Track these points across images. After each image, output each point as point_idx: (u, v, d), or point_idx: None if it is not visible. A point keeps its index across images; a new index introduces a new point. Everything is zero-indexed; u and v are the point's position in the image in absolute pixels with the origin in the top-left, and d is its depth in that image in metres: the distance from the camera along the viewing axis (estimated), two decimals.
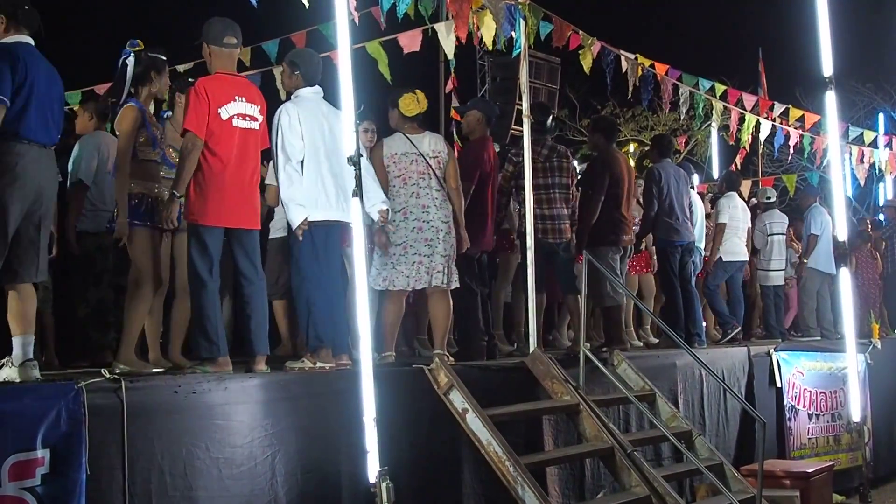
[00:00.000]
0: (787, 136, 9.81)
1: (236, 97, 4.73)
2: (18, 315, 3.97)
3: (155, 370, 4.67)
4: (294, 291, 5.11)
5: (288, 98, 5.22)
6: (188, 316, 4.92)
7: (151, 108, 5.08)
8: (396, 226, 5.39)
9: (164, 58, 4.85)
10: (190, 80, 4.85)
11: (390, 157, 5.46)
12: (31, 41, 4.10)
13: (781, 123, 9.81)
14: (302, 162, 4.98)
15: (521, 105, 6.49)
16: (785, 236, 9.51)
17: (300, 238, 4.96)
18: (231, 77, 4.83)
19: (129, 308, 4.64)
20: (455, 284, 5.54)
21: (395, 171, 5.45)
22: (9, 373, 3.89)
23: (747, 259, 8.94)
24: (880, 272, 11.05)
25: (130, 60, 4.61)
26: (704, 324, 8.21)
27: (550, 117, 6.78)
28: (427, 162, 5.45)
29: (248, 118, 4.77)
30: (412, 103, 5.50)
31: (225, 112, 4.67)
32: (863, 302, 10.13)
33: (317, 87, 5.16)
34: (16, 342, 3.95)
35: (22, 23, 4.08)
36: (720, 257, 8.59)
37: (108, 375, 3.79)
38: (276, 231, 6.24)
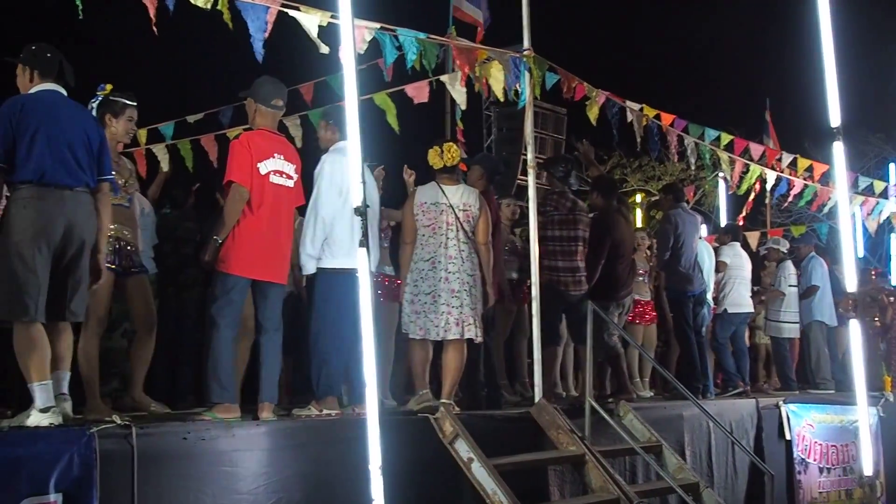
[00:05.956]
0: (791, 187, 9.83)
1: (275, 154, 4.90)
2: (56, 354, 4.04)
3: (163, 411, 4.71)
4: (312, 338, 5.16)
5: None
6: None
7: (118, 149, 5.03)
8: (425, 275, 5.45)
9: (128, 101, 4.83)
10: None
11: (420, 206, 5.55)
12: (57, 88, 4.24)
13: (790, 174, 9.84)
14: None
15: (526, 155, 6.57)
16: (796, 288, 9.50)
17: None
18: (272, 135, 5.00)
19: (146, 351, 4.70)
20: (480, 338, 5.57)
21: (424, 221, 5.53)
22: (36, 418, 3.90)
23: (752, 311, 8.92)
24: None
25: (94, 104, 4.69)
26: None
27: (571, 169, 6.81)
28: (455, 214, 5.51)
29: (284, 175, 4.92)
30: (435, 156, 5.60)
31: (263, 167, 4.82)
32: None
33: None
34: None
35: (48, 73, 4.22)
36: (725, 309, 8.57)
37: (119, 421, 3.85)
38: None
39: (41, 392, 3.92)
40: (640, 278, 8.06)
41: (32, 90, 4.21)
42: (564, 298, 6.46)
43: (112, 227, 4.65)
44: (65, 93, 4.27)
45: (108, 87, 4.79)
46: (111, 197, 4.59)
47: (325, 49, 4.94)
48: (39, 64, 4.22)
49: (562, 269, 6.50)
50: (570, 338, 7.29)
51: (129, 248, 4.83)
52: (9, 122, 4.01)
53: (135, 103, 4.86)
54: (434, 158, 5.60)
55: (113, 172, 4.50)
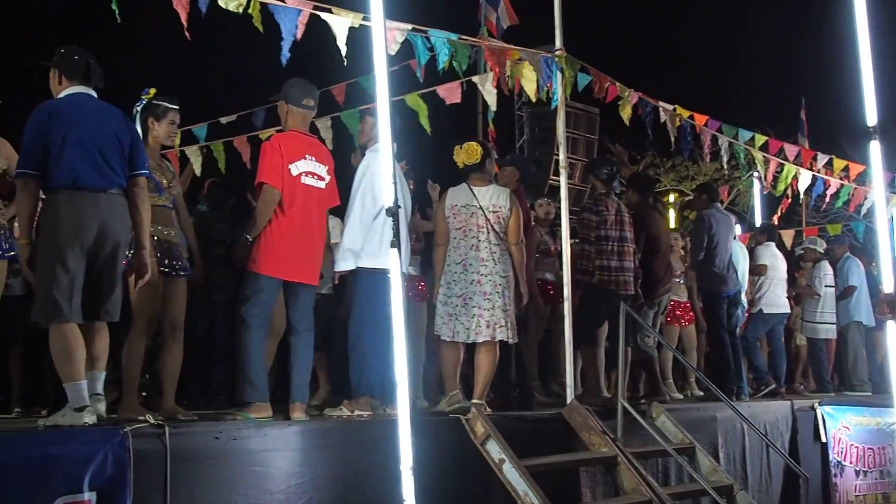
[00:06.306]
0: (827, 187, 9.68)
1: (307, 155, 4.91)
2: (91, 354, 4.10)
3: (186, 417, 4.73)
4: (352, 339, 5.16)
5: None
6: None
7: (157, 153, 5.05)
8: (457, 277, 5.45)
9: (170, 105, 4.88)
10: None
11: (451, 209, 5.55)
12: (86, 91, 4.26)
13: (826, 174, 9.69)
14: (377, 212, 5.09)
15: (558, 155, 6.54)
16: (833, 288, 9.35)
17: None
18: (303, 136, 5.02)
19: (173, 361, 4.76)
20: (514, 339, 5.56)
21: (456, 223, 5.53)
22: (71, 417, 3.95)
23: (789, 311, 8.81)
24: None
25: (138, 108, 4.76)
26: None
27: (615, 172, 6.73)
28: (486, 216, 5.51)
29: (315, 176, 4.93)
30: (455, 154, 5.65)
31: (295, 168, 4.84)
32: None
33: None
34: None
35: (74, 76, 4.26)
36: (760, 309, 8.47)
37: (152, 421, 3.90)
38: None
39: (76, 391, 3.97)
40: (677, 280, 7.97)
41: (61, 94, 4.25)
42: (616, 299, 6.33)
43: (159, 228, 4.70)
44: (94, 94, 4.29)
45: (152, 91, 4.86)
46: (156, 197, 4.66)
47: (345, 59, 4.97)
48: (65, 67, 4.26)
49: (616, 268, 6.43)
50: (609, 338, 7.21)
51: (176, 249, 4.87)
52: (38, 130, 4.06)
53: (177, 107, 4.91)
54: (456, 157, 5.64)
55: (150, 170, 4.53)
